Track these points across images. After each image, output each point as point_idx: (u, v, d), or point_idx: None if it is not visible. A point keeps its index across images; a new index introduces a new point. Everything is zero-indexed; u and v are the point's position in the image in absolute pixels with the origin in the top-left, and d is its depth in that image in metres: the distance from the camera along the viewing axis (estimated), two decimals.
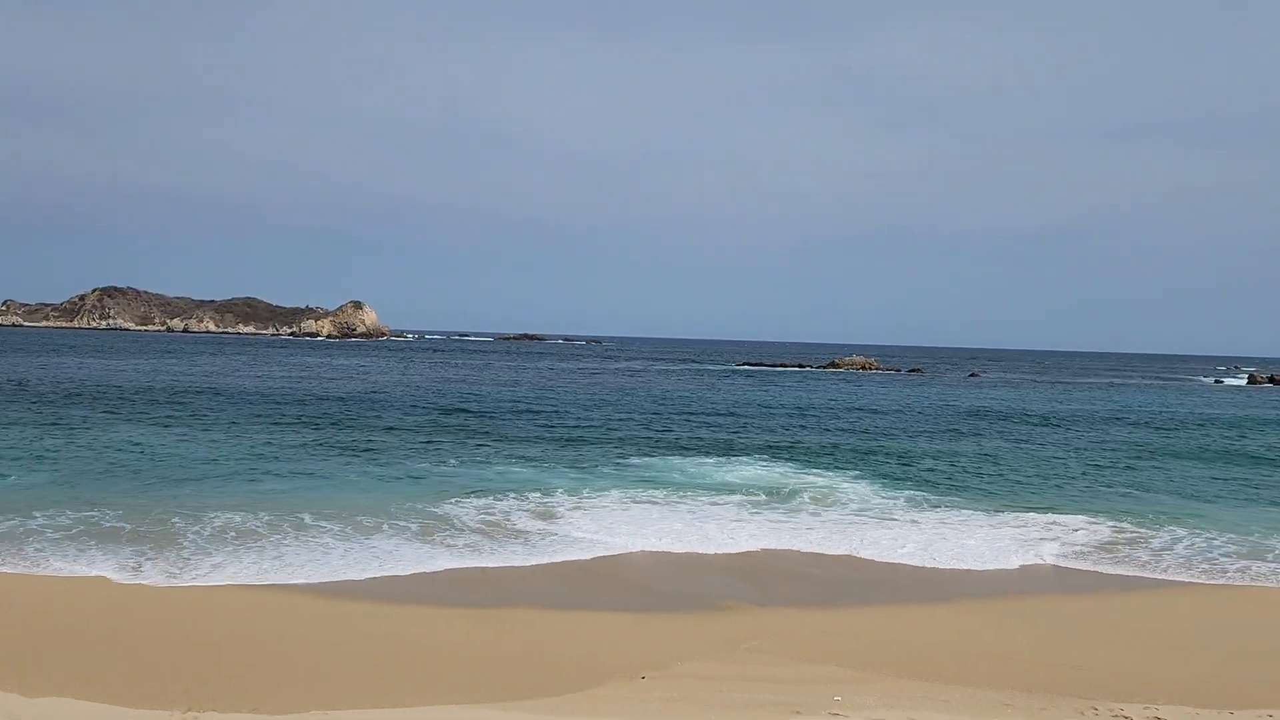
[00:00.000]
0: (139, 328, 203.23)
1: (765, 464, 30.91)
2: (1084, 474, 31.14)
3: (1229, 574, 18.06)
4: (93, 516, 19.18)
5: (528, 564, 17.32)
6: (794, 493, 25.34)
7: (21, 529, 17.91)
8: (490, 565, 17.10)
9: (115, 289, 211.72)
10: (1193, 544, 20.36)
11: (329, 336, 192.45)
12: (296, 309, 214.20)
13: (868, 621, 14.47)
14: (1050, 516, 22.93)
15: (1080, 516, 22.90)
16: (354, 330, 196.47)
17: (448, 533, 19.25)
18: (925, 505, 24.26)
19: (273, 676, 11.25)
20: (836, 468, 30.55)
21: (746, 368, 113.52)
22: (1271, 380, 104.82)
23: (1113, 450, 38.01)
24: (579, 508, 22.35)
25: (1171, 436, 44.68)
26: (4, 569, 15.54)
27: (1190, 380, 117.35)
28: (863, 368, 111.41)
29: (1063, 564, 18.59)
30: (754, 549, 19.12)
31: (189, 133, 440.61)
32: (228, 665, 11.56)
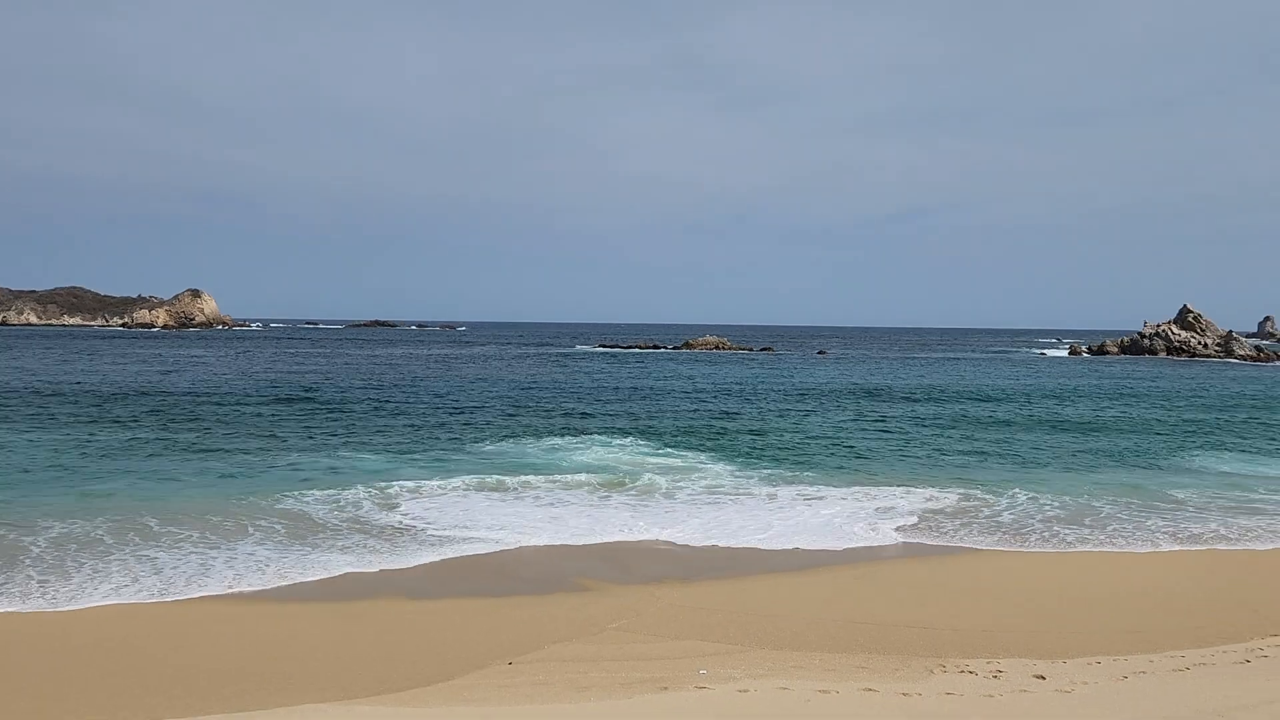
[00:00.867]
0: None
1: (622, 445, 31.13)
2: (928, 445, 32.65)
3: (1061, 535, 19.33)
4: None
5: (386, 556, 16.90)
6: (651, 473, 25.61)
7: None
8: (349, 559, 16.60)
9: None
10: (1028, 509, 21.68)
11: (165, 327, 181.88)
12: (128, 298, 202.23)
13: (729, 596, 14.78)
14: (899, 488, 23.97)
15: (929, 488, 24.00)
16: (192, 320, 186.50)
17: (303, 530, 18.59)
18: (780, 481, 24.92)
19: (114, 691, 10.63)
20: (693, 447, 31.05)
21: (603, 350, 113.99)
22: (1088, 350, 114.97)
23: (953, 422, 39.99)
24: (432, 496, 21.96)
25: (1005, 407, 47.36)
26: None
27: (1019, 352, 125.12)
28: (716, 347, 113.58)
29: (912, 531, 19.45)
30: (613, 530, 19.22)
31: (12, 110, 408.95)
32: (78, 685, 10.85)
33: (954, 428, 37.86)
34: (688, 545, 18.20)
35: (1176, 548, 18.34)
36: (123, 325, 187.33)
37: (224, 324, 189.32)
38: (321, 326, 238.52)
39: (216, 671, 11.15)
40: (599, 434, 33.87)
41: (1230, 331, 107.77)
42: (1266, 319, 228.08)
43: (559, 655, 11.88)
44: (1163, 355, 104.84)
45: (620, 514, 20.69)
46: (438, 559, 16.79)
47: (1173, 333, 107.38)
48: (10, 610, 13.47)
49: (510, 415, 39.82)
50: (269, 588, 14.90)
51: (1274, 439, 36.05)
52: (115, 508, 19.92)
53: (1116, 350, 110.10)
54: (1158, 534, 19.41)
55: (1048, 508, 21.83)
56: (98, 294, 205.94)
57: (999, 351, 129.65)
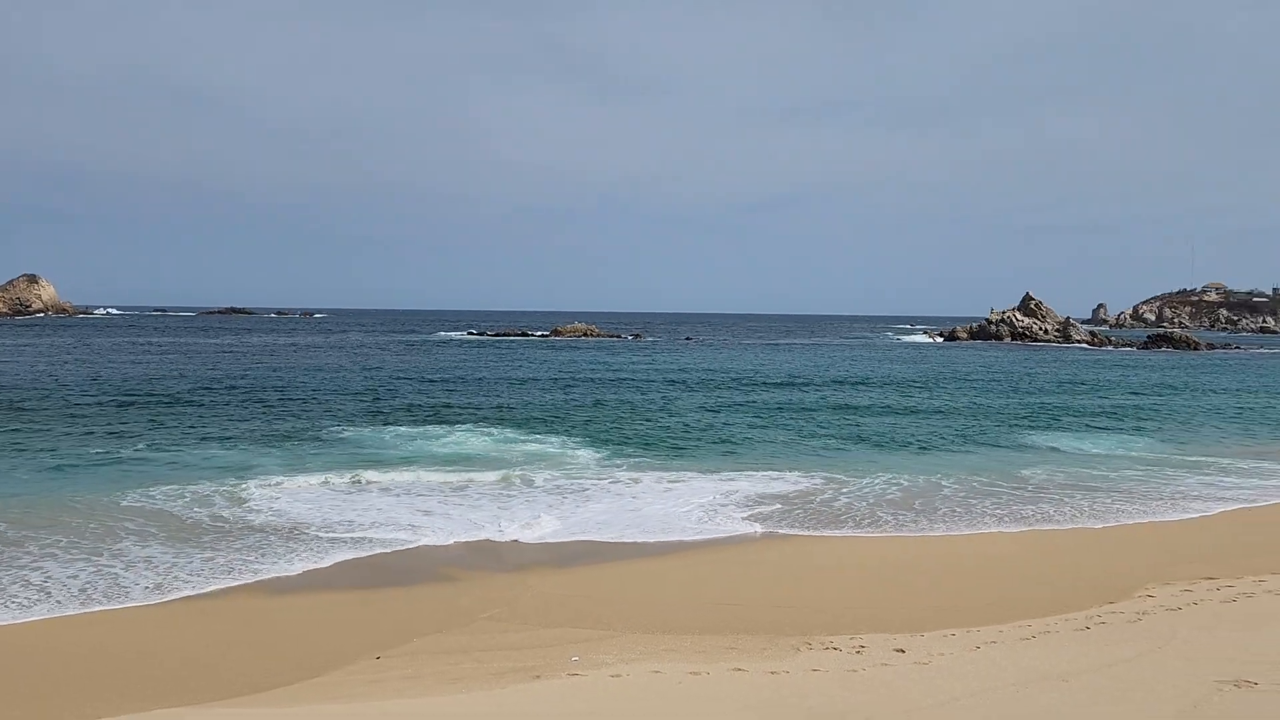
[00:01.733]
0: None
1: (489, 433, 30.82)
2: (792, 430, 33.50)
3: (918, 515, 20.17)
4: None
5: (245, 555, 16.25)
6: (519, 460, 25.45)
7: None
8: (198, 554, 15.89)
9: None
10: (886, 492, 22.51)
11: None
12: None
13: (600, 582, 14.83)
14: (765, 472, 24.51)
15: (793, 472, 24.60)
16: (28, 307, 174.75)
17: (152, 527, 17.70)
18: (648, 467, 25.14)
19: None
20: (560, 434, 30.99)
21: (470, 337, 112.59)
22: (941, 336, 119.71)
23: (816, 407, 41.16)
24: (288, 492, 21.18)
25: (866, 393, 49.03)
26: None
27: (880, 338, 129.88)
28: (585, 334, 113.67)
29: (778, 515, 19.91)
30: (482, 518, 19.01)
31: None
32: None
33: (817, 412, 38.97)
34: (557, 532, 18.16)
35: (1022, 527, 19.34)
36: None
37: (65, 311, 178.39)
38: (172, 314, 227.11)
39: (64, 681, 10.52)
40: (466, 422, 33.42)
41: (1068, 318, 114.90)
42: (1099, 306, 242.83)
43: (429, 648, 11.69)
44: (1008, 341, 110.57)
45: (489, 503, 20.47)
46: (300, 555, 16.22)
47: (1016, 319, 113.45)
48: None
49: (374, 404, 38.83)
50: (115, 586, 14.14)
51: (1111, 418, 38.46)
52: None
53: (966, 336, 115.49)
54: (1004, 514, 20.44)
55: (907, 489, 22.72)
56: None
57: (860, 338, 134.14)
